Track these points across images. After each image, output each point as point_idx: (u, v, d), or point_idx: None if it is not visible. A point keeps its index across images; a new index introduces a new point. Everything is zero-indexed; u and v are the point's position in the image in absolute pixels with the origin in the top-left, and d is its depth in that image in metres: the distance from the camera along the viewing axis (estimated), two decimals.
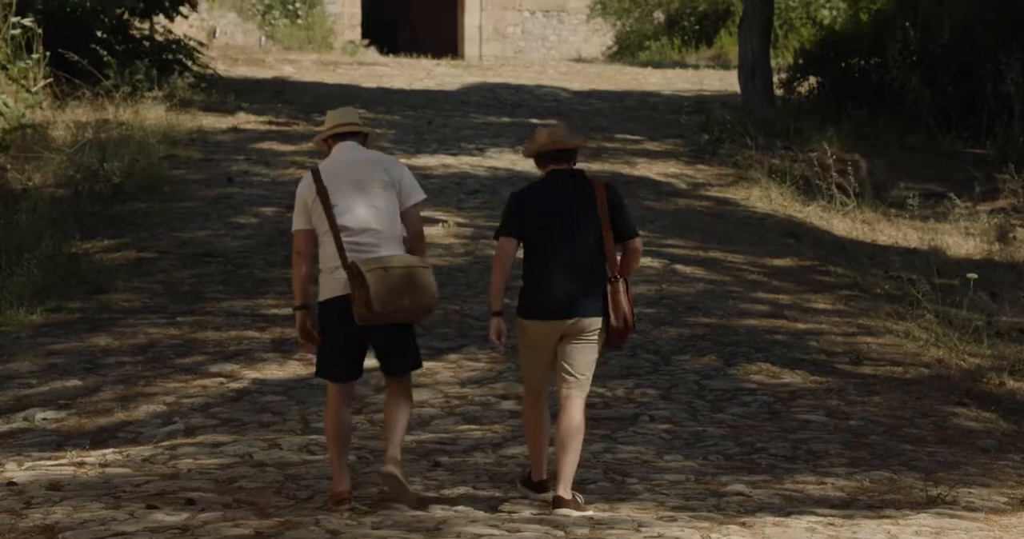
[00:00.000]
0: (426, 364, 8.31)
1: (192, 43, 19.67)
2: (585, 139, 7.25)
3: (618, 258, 6.55)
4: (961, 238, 14.25)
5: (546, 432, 6.57)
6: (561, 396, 6.50)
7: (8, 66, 14.70)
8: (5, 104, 13.26)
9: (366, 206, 6.46)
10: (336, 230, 6.41)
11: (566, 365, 6.46)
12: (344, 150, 6.63)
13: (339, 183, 6.48)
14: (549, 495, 6.45)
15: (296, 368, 8.89)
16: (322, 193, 6.46)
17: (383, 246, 6.43)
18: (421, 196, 6.65)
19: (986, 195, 15.35)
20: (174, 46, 19.36)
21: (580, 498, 6.46)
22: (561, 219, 6.49)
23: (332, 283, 6.44)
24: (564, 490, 6.39)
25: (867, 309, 10.78)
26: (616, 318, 6.42)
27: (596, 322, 6.41)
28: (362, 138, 6.74)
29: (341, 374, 6.48)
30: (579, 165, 6.79)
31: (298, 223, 6.58)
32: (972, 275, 10.41)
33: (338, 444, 6.43)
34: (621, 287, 6.47)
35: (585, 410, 6.50)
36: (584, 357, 6.47)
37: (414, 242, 6.60)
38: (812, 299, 11.11)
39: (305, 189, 6.55)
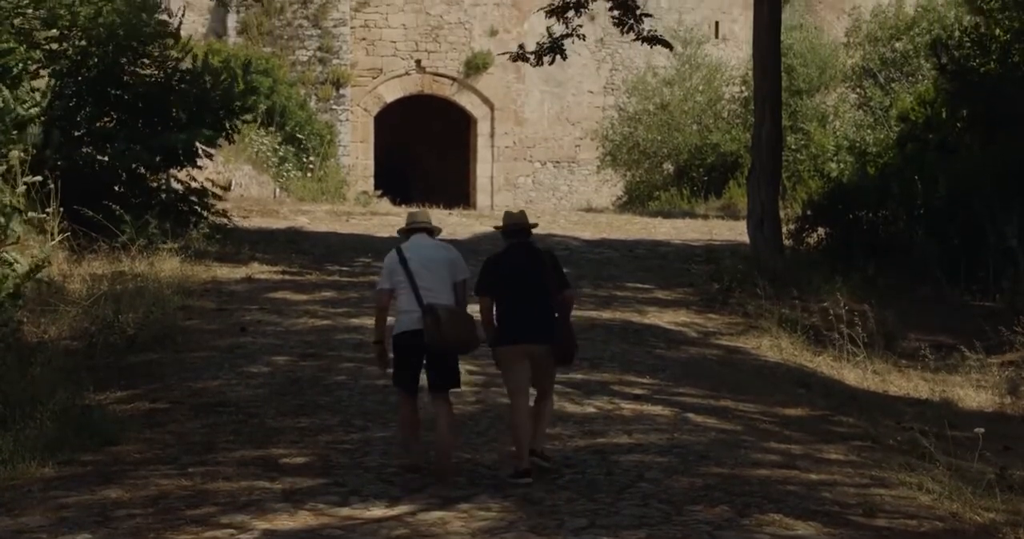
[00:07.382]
0: (437, 513, 8.37)
1: (208, 193, 19.89)
2: (536, 223, 10.29)
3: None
4: (972, 390, 14.24)
5: (528, 426, 9.30)
6: (536, 398, 9.59)
7: (23, 214, 14.83)
8: (17, 261, 13.28)
9: (430, 272, 9.41)
10: (415, 285, 9.32)
11: (537, 381, 9.49)
12: (417, 238, 9.66)
13: (415, 256, 9.46)
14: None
15: (307, 518, 8.86)
16: (403, 261, 9.45)
17: (439, 299, 9.31)
18: (465, 276, 9.58)
19: (996, 348, 15.38)
20: (190, 198, 19.61)
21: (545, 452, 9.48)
22: (520, 278, 9.42)
23: (406, 321, 9.35)
24: (537, 445, 9.42)
25: (880, 460, 10.74)
26: (560, 340, 9.40)
27: (546, 348, 9.38)
28: (430, 233, 9.71)
29: (407, 383, 9.48)
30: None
31: (383, 284, 9.57)
32: (979, 430, 10.39)
33: (407, 430, 9.50)
34: (562, 322, 9.46)
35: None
36: (547, 373, 9.55)
37: (460, 303, 9.48)
38: (824, 449, 11.08)
39: (391, 260, 9.53)
